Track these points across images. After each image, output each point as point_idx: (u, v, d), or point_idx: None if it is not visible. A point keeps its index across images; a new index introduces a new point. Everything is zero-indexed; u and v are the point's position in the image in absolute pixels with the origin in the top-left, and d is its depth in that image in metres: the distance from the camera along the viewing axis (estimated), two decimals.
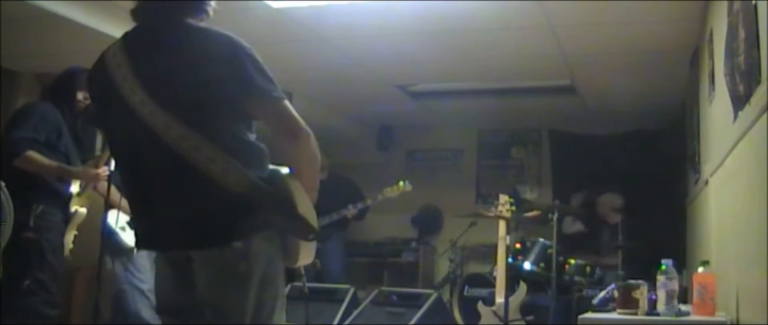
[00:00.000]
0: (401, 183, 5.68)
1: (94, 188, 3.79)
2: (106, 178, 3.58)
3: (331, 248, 5.96)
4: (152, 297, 3.92)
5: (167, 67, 1.96)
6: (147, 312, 3.88)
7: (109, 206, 3.64)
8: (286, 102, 1.98)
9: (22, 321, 3.39)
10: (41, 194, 3.50)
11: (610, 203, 5.92)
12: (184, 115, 1.90)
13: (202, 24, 2.05)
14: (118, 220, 3.78)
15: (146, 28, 2.05)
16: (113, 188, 3.57)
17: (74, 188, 3.67)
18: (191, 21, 2.03)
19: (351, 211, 5.71)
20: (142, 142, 1.94)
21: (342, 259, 6.36)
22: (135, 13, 2.06)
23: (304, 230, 1.98)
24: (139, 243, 2.12)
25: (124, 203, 3.51)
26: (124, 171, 2.09)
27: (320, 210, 6.02)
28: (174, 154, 1.89)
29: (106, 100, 2.03)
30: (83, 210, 3.72)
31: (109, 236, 3.76)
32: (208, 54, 1.95)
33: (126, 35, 2.07)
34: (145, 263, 4.00)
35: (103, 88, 2.04)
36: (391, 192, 5.64)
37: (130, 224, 2.15)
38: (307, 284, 4.98)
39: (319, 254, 6.18)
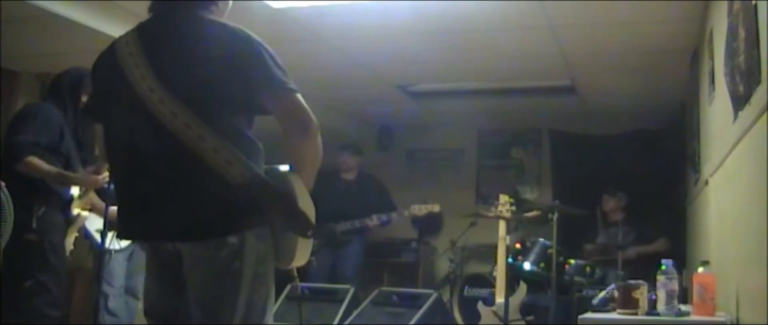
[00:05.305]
0: (434, 205, 5.64)
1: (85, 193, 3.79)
2: (105, 183, 3.55)
3: (350, 251, 5.81)
4: (115, 301, 3.92)
5: (182, 56, 1.97)
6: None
7: (105, 209, 3.64)
8: (299, 95, 2.01)
9: (25, 321, 3.40)
10: (43, 196, 3.51)
11: (612, 203, 5.92)
12: (193, 105, 1.90)
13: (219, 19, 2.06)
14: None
15: (162, 19, 2.06)
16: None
17: (74, 190, 3.67)
18: (205, 14, 2.04)
19: (375, 222, 5.56)
20: (144, 130, 1.94)
21: (359, 262, 6.18)
22: (151, 8, 2.08)
23: (304, 225, 1.97)
24: (127, 233, 2.09)
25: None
26: (119, 161, 2.06)
27: (346, 213, 5.99)
28: (178, 143, 1.89)
29: (111, 87, 2.03)
30: (86, 213, 3.73)
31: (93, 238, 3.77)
32: (225, 45, 1.96)
33: (140, 25, 2.08)
34: (118, 267, 3.98)
35: (109, 75, 2.04)
36: (418, 211, 5.57)
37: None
38: (308, 285, 4.99)
39: (338, 256, 6.14)
